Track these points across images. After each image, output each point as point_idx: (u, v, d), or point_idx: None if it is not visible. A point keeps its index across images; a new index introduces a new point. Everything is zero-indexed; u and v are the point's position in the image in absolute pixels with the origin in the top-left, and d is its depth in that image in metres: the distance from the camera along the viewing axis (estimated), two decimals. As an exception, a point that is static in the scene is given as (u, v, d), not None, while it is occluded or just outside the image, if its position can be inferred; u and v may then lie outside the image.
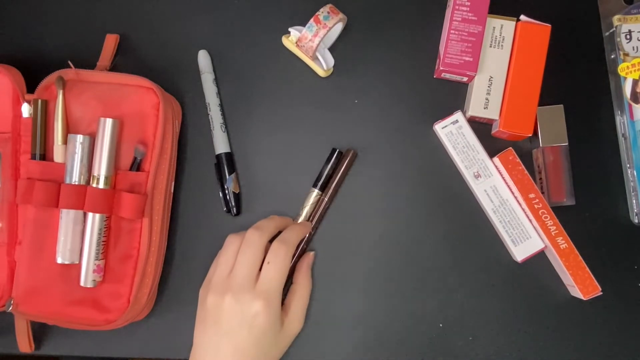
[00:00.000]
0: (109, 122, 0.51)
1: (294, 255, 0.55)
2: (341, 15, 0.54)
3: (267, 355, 0.51)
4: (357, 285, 0.56)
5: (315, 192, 0.56)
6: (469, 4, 0.54)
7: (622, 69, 0.55)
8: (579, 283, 0.53)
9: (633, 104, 0.55)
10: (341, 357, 0.55)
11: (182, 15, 0.59)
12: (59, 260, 0.51)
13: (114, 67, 0.58)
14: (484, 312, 0.55)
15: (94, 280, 0.51)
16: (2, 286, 0.52)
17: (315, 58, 0.56)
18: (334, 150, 0.56)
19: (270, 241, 0.53)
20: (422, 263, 0.56)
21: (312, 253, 0.56)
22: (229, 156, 0.57)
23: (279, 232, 0.54)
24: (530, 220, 0.54)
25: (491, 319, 0.55)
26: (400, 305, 0.56)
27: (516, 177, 0.53)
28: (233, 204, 0.56)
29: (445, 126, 0.55)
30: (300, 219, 0.56)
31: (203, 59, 0.58)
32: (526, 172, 0.53)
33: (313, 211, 0.56)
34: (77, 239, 0.51)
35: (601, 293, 0.53)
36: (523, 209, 0.54)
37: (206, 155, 0.58)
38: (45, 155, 0.52)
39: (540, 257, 0.55)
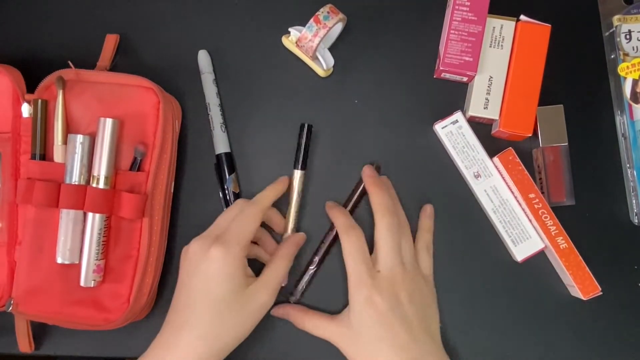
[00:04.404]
0: (109, 122, 0.51)
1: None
2: (341, 15, 0.55)
3: (223, 319, 0.47)
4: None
5: (298, 173, 0.56)
6: (469, 4, 0.54)
7: (622, 69, 0.55)
8: (578, 283, 0.53)
9: (633, 104, 0.55)
10: (338, 357, 0.55)
11: (182, 15, 0.59)
12: (59, 260, 0.51)
13: (114, 67, 0.58)
14: (483, 312, 0.55)
15: (94, 280, 0.51)
16: (2, 286, 0.52)
17: (315, 58, 0.56)
18: (302, 126, 0.56)
19: None
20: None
21: (302, 234, 0.55)
22: (229, 156, 0.57)
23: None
24: (530, 220, 0.54)
25: (491, 319, 0.55)
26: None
27: (516, 177, 0.53)
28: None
29: (445, 126, 0.55)
30: (292, 203, 0.56)
31: (203, 59, 0.58)
32: (526, 172, 0.53)
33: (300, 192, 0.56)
34: (77, 239, 0.51)
35: (601, 293, 0.53)
36: (523, 209, 0.54)
37: (206, 155, 0.58)
38: (45, 155, 0.52)
39: (540, 257, 0.55)
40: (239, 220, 0.50)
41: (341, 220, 0.53)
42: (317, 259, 0.55)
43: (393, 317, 0.48)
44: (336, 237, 0.55)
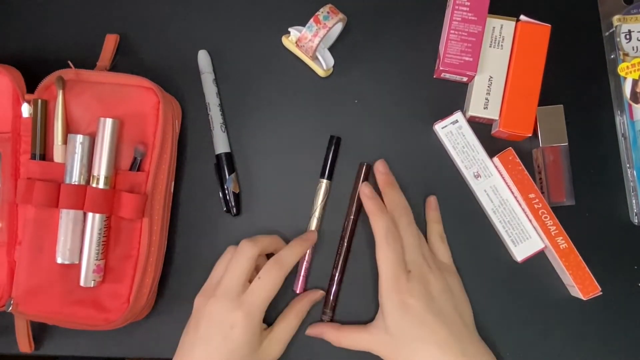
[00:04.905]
0: (109, 122, 0.51)
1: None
2: (341, 15, 0.55)
3: None
4: (356, 284, 0.56)
5: (325, 182, 0.56)
6: (469, 4, 0.54)
7: (622, 69, 0.55)
8: (578, 283, 0.53)
9: (633, 104, 0.55)
10: (338, 357, 0.55)
11: (182, 15, 0.59)
12: (59, 260, 0.51)
13: (114, 67, 0.58)
14: (483, 312, 0.55)
15: (94, 280, 0.51)
16: (2, 286, 0.52)
17: (315, 58, 0.56)
18: (332, 138, 0.57)
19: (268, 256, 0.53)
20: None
21: (320, 292, 0.55)
22: (229, 156, 0.57)
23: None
24: (530, 220, 0.54)
25: (491, 319, 0.55)
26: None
27: (516, 177, 0.53)
28: (233, 204, 0.56)
29: (445, 126, 0.55)
30: (315, 213, 0.56)
31: (203, 59, 0.58)
32: (526, 172, 0.53)
33: (323, 201, 0.56)
34: (77, 239, 0.51)
35: (601, 293, 0.53)
36: (523, 209, 0.54)
37: (206, 155, 0.58)
38: (45, 155, 0.52)
39: (540, 257, 0.55)
40: (265, 284, 0.50)
41: (381, 224, 0.52)
42: (337, 273, 0.55)
43: (430, 315, 0.49)
44: (350, 247, 0.55)
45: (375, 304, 0.54)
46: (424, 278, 0.50)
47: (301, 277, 0.56)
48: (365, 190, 0.54)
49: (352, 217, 0.55)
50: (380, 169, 0.55)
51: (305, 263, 0.56)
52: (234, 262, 0.51)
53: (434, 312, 0.49)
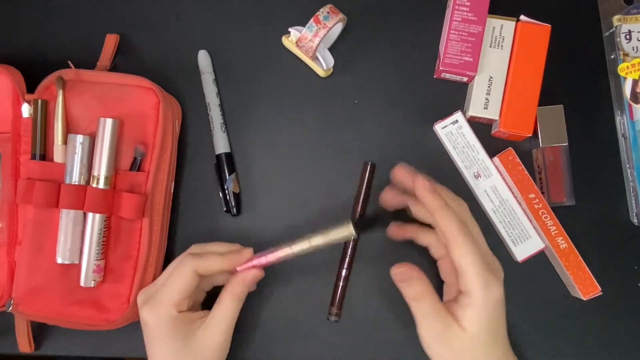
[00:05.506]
0: (109, 122, 0.51)
1: None
2: (341, 15, 0.55)
3: None
4: (356, 285, 0.56)
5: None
6: (469, 4, 0.54)
7: (622, 69, 0.55)
8: (578, 283, 0.53)
9: (633, 104, 0.55)
10: (340, 357, 0.55)
11: (182, 15, 0.59)
12: (59, 261, 0.51)
13: (114, 67, 0.58)
14: (484, 312, 0.55)
15: (94, 280, 0.51)
16: (2, 286, 0.52)
17: (315, 58, 0.56)
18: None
19: None
20: (421, 263, 0.56)
21: (254, 271, 0.49)
22: (229, 156, 0.57)
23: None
24: (530, 220, 0.54)
25: (491, 319, 0.55)
26: (398, 305, 0.55)
27: (516, 177, 0.53)
28: (233, 204, 0.56)
29: (445, 126, 0.55)
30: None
31: (203, 59, 0.58)
32: (526, 172, 0.53)
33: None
34: (77, 239, 0.51)
35: (601, 293, 0.53)
36: (523, 209, 0.54)
37: (206, 155, 0.58)
38: (45, 155, 0.52)
39: (540, 257, 0.55)
40: (171, 277, 0.49)
41: (455, 218, 0.47)
42: (343, 271, 0.53)
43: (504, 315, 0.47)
44: (356, 246, 0.54)
45: (381, 302, 0.54)
46: (498, 270, 0.48)
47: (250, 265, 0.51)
48: (425, 184, 0.47)
49: (357, 216, 0.55)
50: (427, 186, 0.48)
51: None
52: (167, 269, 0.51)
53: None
